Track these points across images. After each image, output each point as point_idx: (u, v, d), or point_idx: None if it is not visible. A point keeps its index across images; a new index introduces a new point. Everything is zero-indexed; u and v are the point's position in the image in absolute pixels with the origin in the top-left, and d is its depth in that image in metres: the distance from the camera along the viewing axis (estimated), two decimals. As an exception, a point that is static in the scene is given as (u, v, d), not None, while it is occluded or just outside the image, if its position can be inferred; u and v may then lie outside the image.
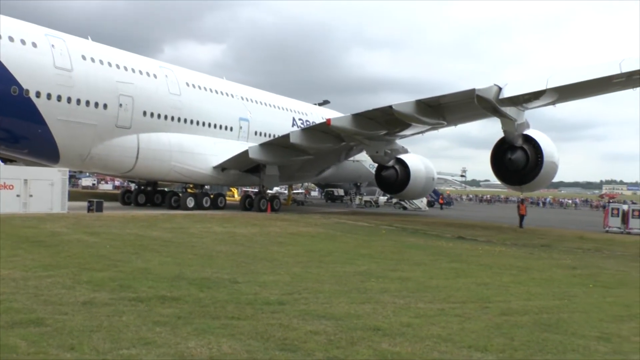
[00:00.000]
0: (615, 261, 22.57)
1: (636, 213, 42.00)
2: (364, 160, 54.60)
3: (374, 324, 9.33)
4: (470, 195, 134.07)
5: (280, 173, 43.88)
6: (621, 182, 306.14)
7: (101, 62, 34.72)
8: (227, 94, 44.38)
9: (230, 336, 8.22)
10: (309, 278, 13.69)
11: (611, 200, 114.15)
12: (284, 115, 50.05)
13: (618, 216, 42.35)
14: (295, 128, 46.77)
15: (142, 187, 45.12)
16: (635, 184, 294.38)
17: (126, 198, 44.21)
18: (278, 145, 41.25)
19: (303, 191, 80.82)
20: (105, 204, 33.84)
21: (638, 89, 31.23)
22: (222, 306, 10.12)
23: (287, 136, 39.59)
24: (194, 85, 41.31)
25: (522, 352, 8.32)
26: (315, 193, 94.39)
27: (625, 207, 44.15)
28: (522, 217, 41.08)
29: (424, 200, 64.57)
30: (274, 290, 11.96)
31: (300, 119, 51.07)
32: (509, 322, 10.24)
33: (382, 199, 69.00)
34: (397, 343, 8.32)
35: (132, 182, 47.40)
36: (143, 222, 26.44)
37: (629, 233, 39.82)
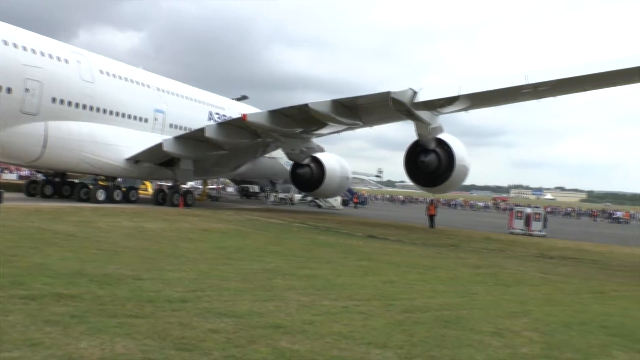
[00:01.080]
0: (516, 261, 23.63)
1: (537, 216, 44.31)
2: (280, 158, 54.61)
3: (275, 322, 9.27)
4: (387, 195, 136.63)
5: (195, 168, 43.22)
6: (527, 187, 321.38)
7: (5, 42, 32.84)
8: (143, 84, 43.11)
9: (126, 335, 7.92)
10: (215, 275, 13.48)
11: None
12: (201, 108, 49.22)
13: (522, 219, 44.49)
14: (211, 122, 46.11)
15: (50, 178, 42.86)
16: (539, 189, 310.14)
17: (31, 189, 41.62)
18: (193, 139, 40.58)
19: (216, 187, 79.93)
20: (8, 195, 32.15)
21: (543, 100, 32.90)
22: (121, 304, 9.74)
23: (202, 130, 39.01)
24: (108, 73, 39.82)
25: (420, 348, 8.48)
26: (231, 189, 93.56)
27: (528, 210, 46.44)
28: (431, 217, 42.27)
29: (339, 199, 65.29)
30: (178, 287, 11.67)
31: (217, 113, 50.41)
32: (410, 319, 10.45)
33: (297, 196, 69.25)
34: (297, 341, 8.29)
35: (39, 172, 45.15)
36: (47, 215, 25.23)
37: (530, 235, 41.83)
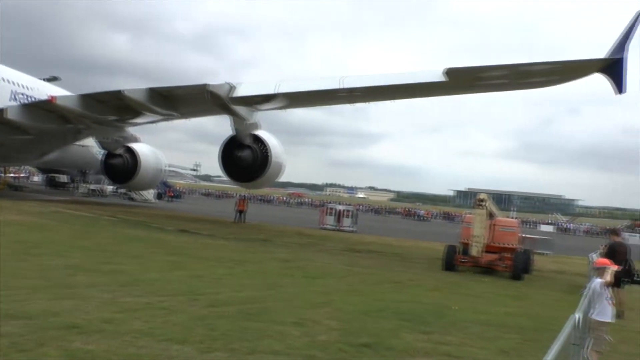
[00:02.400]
0: (325, 254, 24.70)
1: (347, 213, 46.65)
2: (92, 146, 51.71)
3: (71, 322, 8.78)
4: (206, 190, 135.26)
5: (-6, 153, 39.49)
6: (341, 186, 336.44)
7: None
8: None
9: None
10: (8, 273, 12.33)
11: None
12: (2, 86, 44.85)
13: (333, 215, 46.51)
14: (14, 102, 42.31)
15: None
16: (352, 188, 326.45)
17: None
18: (-9, 122, 37.04)
19: (18, 174, 73.76)
20: None
21: (358, 105, 34.87)
22: None
23: (2, 111, 35.78)
24: None
25: (222, 342, 8.55)
26: (37, 178, 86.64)
27: (339, 207, 48.66)
28: (241, 212, 41.85)
29: (153, 191, 63.42)
30: (-40, 288, 10.60)
31: (22, 94, 46.10)
32: (214, 313, 10.50)
33: (109, 188, 66.01)
34: (92, 341, 7.93)
35: None
36: None
37: (341, 230, 43.85)
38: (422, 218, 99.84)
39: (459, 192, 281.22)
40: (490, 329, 11.66)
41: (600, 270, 9.01)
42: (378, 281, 17.71)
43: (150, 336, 8.48)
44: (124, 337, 8.31)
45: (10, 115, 35.59)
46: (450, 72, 27.13)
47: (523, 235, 27.79)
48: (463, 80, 29.12)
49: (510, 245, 23.21)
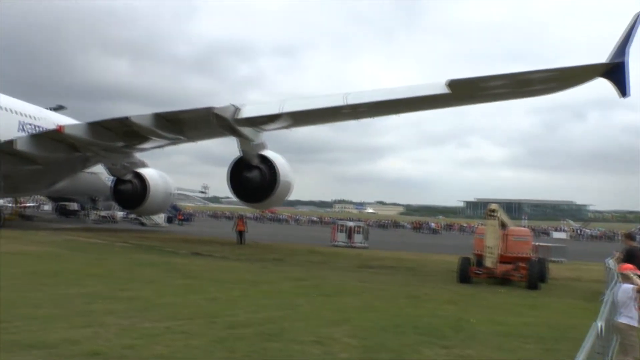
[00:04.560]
0: (338, 272, 24.59)
1: (358, 229, 46.50)
2: (101, 173, 51.96)
3: (92, 349, 8.83)
4: (213, 212, 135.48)
5: (5, 184, 39.67)
6: (350, 202, 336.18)
7: None
8: None
9: None
10: (25, 303, 12.42)
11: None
12: (10, 117, 45.01)
13: (344, 232, 46.38)
14: (22, 133, 42.59)
15: None
16: (361, 204, 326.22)
17: None
18: (1, 152, 37.29)
19: (31, 205, 74.17)
20: None
21: (363, 120, 34.97)
22: None
23: (11, 142, 36.07)
24: None
25: (242, 363, 8.57)
26: (47, 207, 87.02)
27: (350, 224, 48.52)
28: (240, 233, 40.57)
29: (163, 215, 63.57)
30: (-21, 320, 10.63)
31: (29, 124, 46.46)
32: (233, 335, 10.50)
33: (120, 214, 66.27)
34: (115, 368, 8.00)
35: None
36: None
37: (352, 246, 43.69)
38: (432, 230, 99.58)
39: (468, 202, 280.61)
40: (509, 340, 11.58)
41: (625, 276, 8.92)
42: (394, 296, 17.63)
43: (172, 360, 8.49)
44: (145, 362, 8.32)
45: (20, 146, 35.88)
46: (453, 84, 27.20)
47: (536, 243, 27.63)
48: (465, 91, 29.16)
49: (525, 255, 23.09)
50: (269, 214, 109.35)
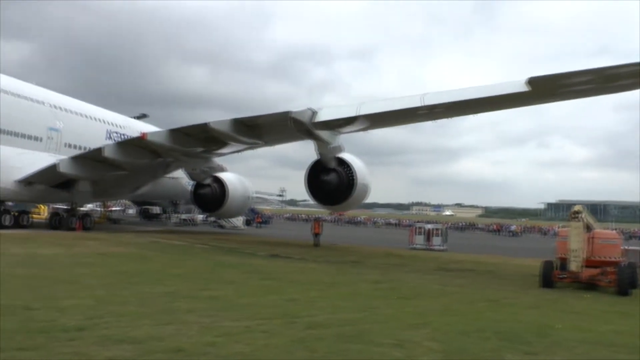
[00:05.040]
0: (416, 274, 24.33)
1: (436, 232, 45.85)
2: (182, 178, 53.64)
3: (176, 346, 9.10)
4: (291, 215, 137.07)
5: (93, 189, 41.59)
6: (427, 204, 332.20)
7: None
8: (35, 101, 40.71)
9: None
10: (113, 301, 13.04)
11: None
12: (98, 127, 47.29)
13: (422, 234, 45.84)
14: (109, 141, 44.62)
15: None
16: (439, 206, 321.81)
17: None
18: (91, 159, 39.08)
19: (118, 208, 77.35)
20: None
21: (439, 121, 34.41)
22: (9, 337, 9.12)
23: (100, 150, 37.76)
24: (-5, 88, 37.42)
25: (323, 364, 8.58)
26: (132, 211, 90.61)
27: (428, 226, 47.90)
28: (317, 235, 41.22)
29: (241, 218, 64.79)
30: (74, 315, 11.18)
31: (115, 132, 48.76)
32: (312, 335, 10.55)
33: (200, 217, 68.13)
34: (199, 364, 8.20)
35: None
36: None
37: (431, 249, 43.12)
38: (512, 233, 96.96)
39: (549, 204, 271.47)
40: (599, 349, 11.03)
41: None
42: (473, 300, 17.26)
43: (252, 359, 8.64)
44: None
45: (107, 153, 37.46)
46: (533, 81, 26.37)
47: (625, 247, 26.33)
48: (546, 89, 28.16)
49: (613, 259, 22.06)
50: (346, 217, 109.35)
